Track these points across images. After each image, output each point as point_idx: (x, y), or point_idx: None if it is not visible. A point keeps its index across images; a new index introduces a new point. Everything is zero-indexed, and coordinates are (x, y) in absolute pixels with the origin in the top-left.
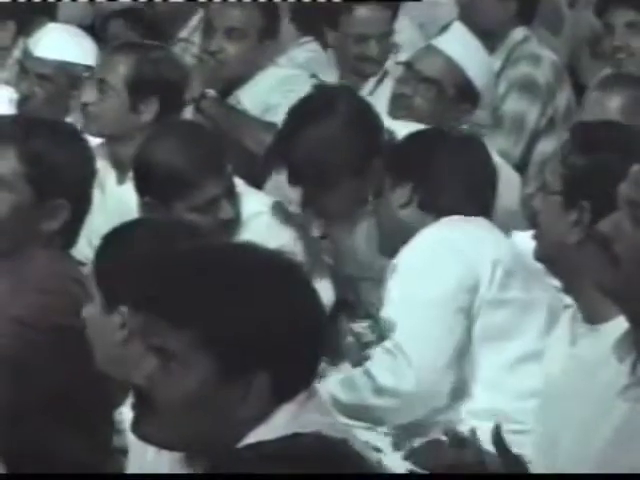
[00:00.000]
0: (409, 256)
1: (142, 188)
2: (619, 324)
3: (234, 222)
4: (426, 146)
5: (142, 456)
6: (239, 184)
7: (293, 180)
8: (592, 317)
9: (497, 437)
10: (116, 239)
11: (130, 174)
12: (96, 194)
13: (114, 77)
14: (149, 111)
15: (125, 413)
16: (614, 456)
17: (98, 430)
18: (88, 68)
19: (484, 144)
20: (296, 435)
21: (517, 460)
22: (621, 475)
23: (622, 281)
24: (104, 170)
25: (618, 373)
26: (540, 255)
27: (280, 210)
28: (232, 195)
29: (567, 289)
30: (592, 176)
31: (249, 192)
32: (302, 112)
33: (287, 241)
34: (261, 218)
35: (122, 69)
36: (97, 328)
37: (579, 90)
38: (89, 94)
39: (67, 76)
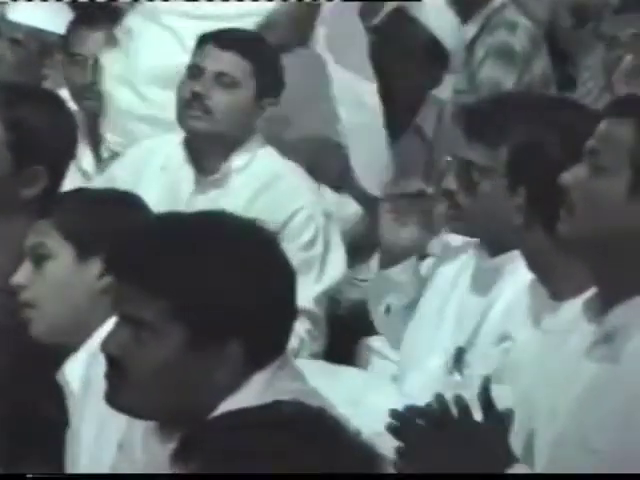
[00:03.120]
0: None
1: None
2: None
3: None
4: None
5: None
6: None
7: None
8: (558, 294)
9: (485, 392)
10: (86, 198)
11: None
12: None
13: (236, 70)
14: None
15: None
16: (585, 414)
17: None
18: (60, 37)
19: None
20: (276, 402)
21: (502, 416)
22: (620, 475)
23: (576, 228)
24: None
25: (586, 336)
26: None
27: (300, 173)
28: None
29: (530, 266)
30: (529, 162)
31: (271, 154)
32: None
33: (306, 203)
34: (282, 180)
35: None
36: (69, 280)
37: (560, 55)
38: (215, 92)
39: (38, 42)
